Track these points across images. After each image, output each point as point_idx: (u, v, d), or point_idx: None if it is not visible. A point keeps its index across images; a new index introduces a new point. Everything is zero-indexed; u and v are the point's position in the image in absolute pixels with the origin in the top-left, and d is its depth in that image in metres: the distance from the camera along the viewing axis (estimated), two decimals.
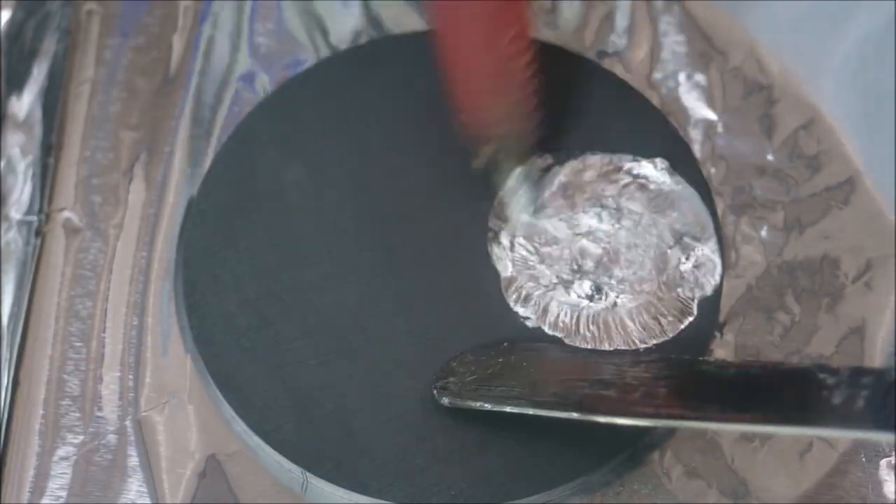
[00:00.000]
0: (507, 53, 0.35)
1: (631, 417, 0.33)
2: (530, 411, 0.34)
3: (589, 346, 0.37)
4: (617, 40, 0.45)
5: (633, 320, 0.38)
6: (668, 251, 0.39)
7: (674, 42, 0.45)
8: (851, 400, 0.29)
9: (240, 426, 0.37)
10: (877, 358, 0.38)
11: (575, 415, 0.33)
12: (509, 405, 0.34)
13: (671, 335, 0.38)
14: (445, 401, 0.36)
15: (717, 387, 0.33)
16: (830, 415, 0.29)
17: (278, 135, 0.42)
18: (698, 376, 0.34)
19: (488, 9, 0.34)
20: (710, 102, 0.43)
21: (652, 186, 0.40)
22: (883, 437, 0.28)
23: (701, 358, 0.37)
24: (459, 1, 0.34)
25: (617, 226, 0.39)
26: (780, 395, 0.31)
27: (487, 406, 0.35)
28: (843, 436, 0.30)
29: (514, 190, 0.39)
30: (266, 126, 0.42)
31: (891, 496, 0.35)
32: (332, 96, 0.43)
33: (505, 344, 0.37)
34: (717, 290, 0.38)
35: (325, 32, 0.45)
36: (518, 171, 0.39)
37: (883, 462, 0.36)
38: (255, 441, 0.36)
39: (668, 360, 0.35)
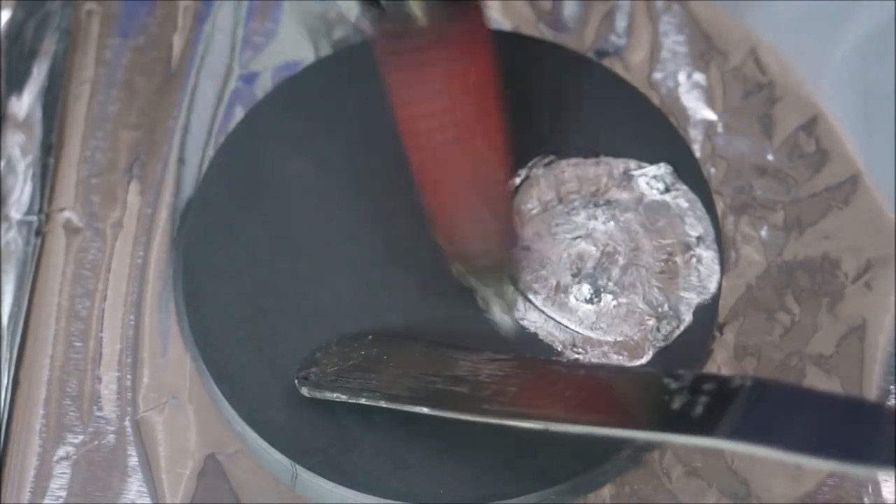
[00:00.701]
0: (483, 178, 0.34)
1: (478, 415, 0.33)
2: (383, 404, 0.34)
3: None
4: (617, 40, 0.45)
5: (630, 324, 0.38)
6: (667, 256, 0.39)
7: (674, 42, 0.45)
8: (690, 406, 0.29)
9: (235, 421, 0.37)
10: (877, 358, 0.38)
11: (425, 410, 0.34)
12: (364, 397, 0.35)
13: (669, 340, 0.37)
14: (305, 391, 0.36)
15: (564, 388, 0.33)
16: (668, 419, 0.29)
17: (279, 130, 0.42)
18: (547, 376, 0.34)
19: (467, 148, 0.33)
20: (710, 102, 0.43)
21: (652, 191, 0.40)
22: (719, 445, 0.28)
23: (555, 358, 0.37)
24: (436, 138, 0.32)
25: (615, 227, 0.39)
26: (623, 397, 0.32)
27: (344, 397, 0.35)
28: (683, 442, 0.30)
29: (492, 309, 0.38)
30: (267, 122, 0.42)
31: (890, 497, 0.35)
32: (332, 93, 0.43)
33: (370, 337, 0.37)
34: (715, 298, 0.38)
35: (324, 31, 0.45)
36: (496, 294, 0.37)
37: None
38: (247, 431, 0.36)
39: (522, 359, 0.35)
